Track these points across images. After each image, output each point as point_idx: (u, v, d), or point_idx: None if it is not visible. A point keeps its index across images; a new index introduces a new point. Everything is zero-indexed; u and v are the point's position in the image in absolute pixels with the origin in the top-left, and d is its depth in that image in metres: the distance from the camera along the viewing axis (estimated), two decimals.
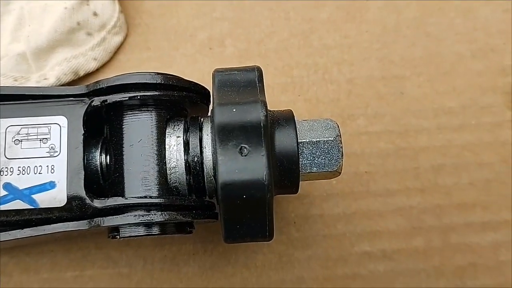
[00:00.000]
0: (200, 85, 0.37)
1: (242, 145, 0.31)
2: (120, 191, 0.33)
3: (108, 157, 0.34)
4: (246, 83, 0.35)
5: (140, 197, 0.33)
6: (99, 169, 0.34)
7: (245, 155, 0.31)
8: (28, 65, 0.46)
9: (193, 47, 0.48)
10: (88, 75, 0.47)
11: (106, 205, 0.32)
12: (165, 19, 0.49)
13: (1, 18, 0.48)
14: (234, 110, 0.32)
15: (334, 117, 0.43)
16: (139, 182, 0.33)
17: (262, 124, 0.32)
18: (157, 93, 0.34)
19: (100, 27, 0.47)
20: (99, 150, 0.34)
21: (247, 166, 0.31)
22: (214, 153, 0.32)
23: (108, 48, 0.47)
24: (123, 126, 0.34)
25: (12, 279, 0.41)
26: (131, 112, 0.34)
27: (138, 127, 0.34)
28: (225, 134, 0.31)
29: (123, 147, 0.34)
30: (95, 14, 0.47)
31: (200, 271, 0.42)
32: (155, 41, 0.48)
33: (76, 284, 0.42)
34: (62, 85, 0.46)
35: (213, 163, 0.33)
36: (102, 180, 0.34)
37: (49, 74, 0.46)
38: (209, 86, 0.36)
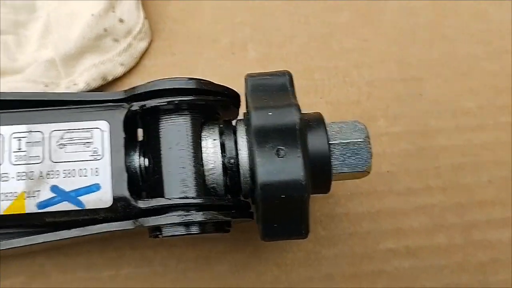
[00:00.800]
0: (231, 89, 0.38)
1: (278, 147, 0.32)
2: (159, 192, 0.34)
3: (146, 159, 0.35)
4: (278, 87, 0.36)
5: (180, 198, 0.34)
6: (138, 171, 0.35)
7: (282, 157, 0.32)
8: (57, 71, 0.47)
9: (216, 52, 0.49)
10: (116, 80, 0.48)
11: (150, 205, 0.33)
12: (188, 25, 0.50)
13: (28, 26, 0.49)
14: (270, 113, 0.33)
15: (355, 118, 0.44)
16: (178, 184, 0.34)
17: (297, 127, 0.33)
18: (192, 97, 0.35)
19: (126, 33, 0.48)
20: (138, 153, 0.35)
21: (285, 167, 0.32)
22: (251, 155, 0.33)
23: (134, 54, 0.48)
24: (160, 130, 0.35)
25: (50, 279, 0.42)
26: (167, 116, 0.35)
27: (175, 131, 0.35)
28: (262, 137, 0.33)
29: (161, 150, 0.35)
30: (121, 20, 0.48)
31: (232, 270, 0.43)
32: (179, 46, 0.49)
33: (112, 283, 0.43)
34: (91, 90, 0.47)
35: (249, 164, 0.34)
36: (141, 182, 0.35)
37: (78, 80, 0.47)
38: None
